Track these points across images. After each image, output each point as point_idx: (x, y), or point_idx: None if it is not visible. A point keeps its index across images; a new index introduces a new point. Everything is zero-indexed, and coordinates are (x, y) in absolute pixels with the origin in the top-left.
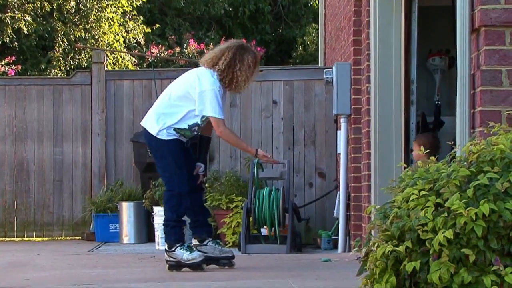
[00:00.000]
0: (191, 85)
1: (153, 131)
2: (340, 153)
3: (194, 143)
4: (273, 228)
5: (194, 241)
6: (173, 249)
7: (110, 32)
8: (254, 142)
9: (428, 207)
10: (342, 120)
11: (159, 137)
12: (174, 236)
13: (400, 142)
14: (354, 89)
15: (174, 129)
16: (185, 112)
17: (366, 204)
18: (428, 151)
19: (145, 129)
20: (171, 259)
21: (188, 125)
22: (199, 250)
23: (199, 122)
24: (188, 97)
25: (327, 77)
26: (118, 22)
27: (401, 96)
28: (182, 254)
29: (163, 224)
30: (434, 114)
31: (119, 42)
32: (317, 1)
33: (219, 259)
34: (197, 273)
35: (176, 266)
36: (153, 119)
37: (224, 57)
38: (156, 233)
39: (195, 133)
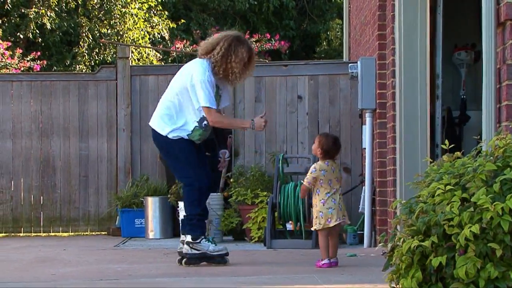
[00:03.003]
0: (185, 80)
1: (163, 132)
2: (365, 148)
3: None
4: (298, 223)
5: (185, 237)
6: (198, 240)
7: (135, 28)
8: (279, 137)
9: (454, 202)
10: (367, 114)
11: (169, 136)
12: (200, 229)
13: (426, 136)
14: (379, 84)
15: (187, 134)
16: (189, 109)
17: (391, 199)
18: (323, 149)
19: (153, 130)
20: (195, 251)
21: (197, 122)
22: (192, 248)
23: (205, 116)
24: (186, 93)
25: (352, 72)
26: (142, 18)
27: (426, 91)
28: (208, 245)
29: (187, 218)
30: (460, 109)
31: (144, 40)
32: None
33: (214, 257)
34: (221, 268)
35: (198, 258)
36: (161, 120)
37: (220, 46)
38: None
39: (207, 128)
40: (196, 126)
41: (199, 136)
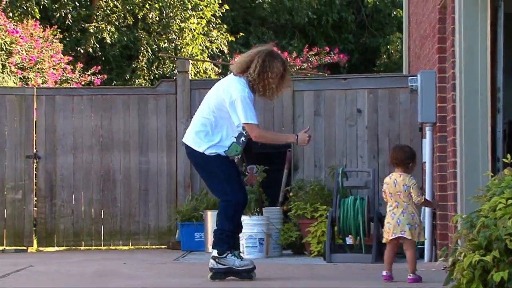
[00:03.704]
0: (222, 97)
1: (200, 148)
2: (425, 162)
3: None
4: (358, 237)
5: (212, 251)
6: (224, 255)
7: (194, 43)
8: (338, 150)
9: None
10: (427, 128)
11: (206, 153)
12: (227, 244)
13: (487, 150)
14: (439, 97)
15: (224, 151)
16: (226, 125)
17: (452, 213)
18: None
19: (188, 146)
20: (220, 266)
21: (235, 137)
22: (217, 262)
23: (243, 132)
24: (223, 110)
25: (412, 85)
26: (201, 32)
27: (487, 104)
28: (234, 260)
29: (218, 232)
30: None
31: (202, 56)
32: (400, 11)
33: (239, 272)
34: (280, 281)
35: (223, 273)
36: (197, 137)
37: (254, 64)
38: (241, 242)
39: (244, 144)
40: (233, 142)
41: (236, 152)
